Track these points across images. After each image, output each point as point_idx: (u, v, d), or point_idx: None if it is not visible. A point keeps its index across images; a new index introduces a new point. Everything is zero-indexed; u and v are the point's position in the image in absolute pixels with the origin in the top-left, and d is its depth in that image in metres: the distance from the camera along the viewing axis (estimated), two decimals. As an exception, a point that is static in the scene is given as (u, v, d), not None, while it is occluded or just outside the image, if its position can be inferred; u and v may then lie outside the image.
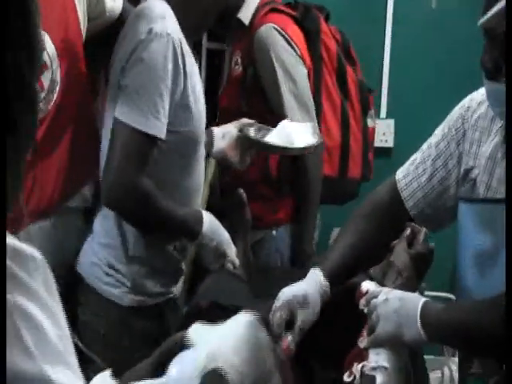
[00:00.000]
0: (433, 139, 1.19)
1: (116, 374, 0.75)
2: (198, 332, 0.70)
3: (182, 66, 1.27)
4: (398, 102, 2.71)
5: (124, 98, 1.24)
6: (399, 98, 2.71)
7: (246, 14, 1.84)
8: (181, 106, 1.29)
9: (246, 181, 1.64)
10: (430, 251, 1.14)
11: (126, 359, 1.30)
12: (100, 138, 1.35)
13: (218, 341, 0.68)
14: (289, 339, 1.04)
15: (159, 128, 1.24)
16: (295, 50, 1.81)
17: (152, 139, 1.24)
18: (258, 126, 1.57)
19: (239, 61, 1.85)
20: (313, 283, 1.10)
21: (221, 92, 1.98)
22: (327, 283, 1.10)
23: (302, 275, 1.15)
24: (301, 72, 1.83)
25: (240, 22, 1.84)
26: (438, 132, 1.18)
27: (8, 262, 0.49)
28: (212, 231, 1.33)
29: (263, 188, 1.83)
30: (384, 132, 2.68)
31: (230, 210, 1.48)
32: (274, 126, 1.57)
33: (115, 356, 1.27)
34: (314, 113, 1.83)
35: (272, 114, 1.79)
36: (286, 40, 1.79)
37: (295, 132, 1.54)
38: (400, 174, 1.20)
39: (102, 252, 1.34)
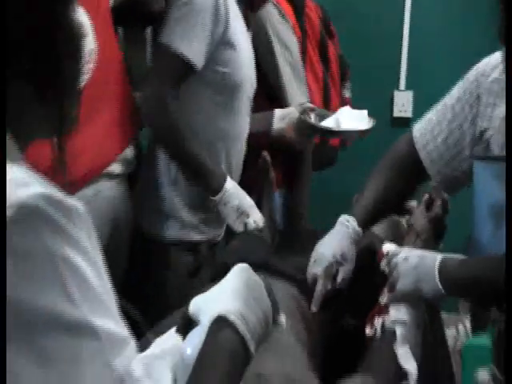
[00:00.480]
0: (448, 101, 1.21)
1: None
2: (198, 303, 0.68)
3: (224, 12, 1.37)
4: (416, 73, 2.74)
5: (165, 25, 1.37)
6: (418, 70, 2.73)
7: None
8: (220, 47, 1.40)
9: None
10: (445, 202, 1.21)
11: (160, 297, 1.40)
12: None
13: (216, 296, 0.67)
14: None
15: (195, 54, 1.35)
16: (288, 22, 1.86)
17: (187, 64, 1.35)
18: (319, 110, 1.68)
19: None
20: (346, 234, 1.16)
21: None
22: (360, 230, 1.16)
23: (320, 235, 1.21)
24: (295, 43, 1.87)
25: None
26: (453, 94, 1.21)
27: (54, 214, 0.50)
28: (235, 191, 1.42)
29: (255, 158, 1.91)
30: (403, 103, 2.72)
31: (255, 173, 1.54)
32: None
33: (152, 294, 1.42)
34: (306, 84, 1.88)
35: (263, 87, 1.85)
36: (280, 12, 1.83)
37: (350, 118, 1.62)
38: (417, 132, 1.24)
39: (143, 186, 1.52)
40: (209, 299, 0.67)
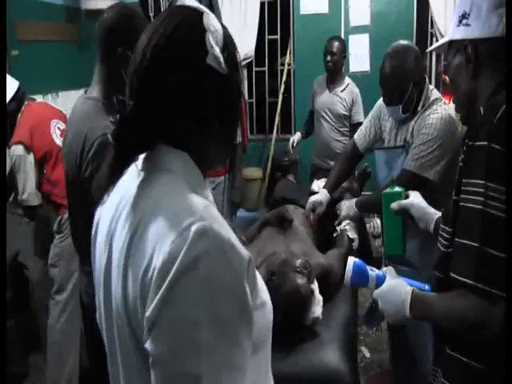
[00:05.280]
0: (367, 118, 2.60)
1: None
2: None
3: None
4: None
5: None
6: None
7: None
8: None
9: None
10: (368, 169, 2.87)
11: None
12: None
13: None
14: (312, 217, 2.63)
15: None
16: None
17: None
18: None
19: None
20: (323, 194, 2.65)
21: None
22: (329, 195, 2.65)
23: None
24: None
25: None
26: (369, 115, 2.59)
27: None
28: None
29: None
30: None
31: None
32: None
33: None
34: None
35: None
36: None
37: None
38: (356, 136, 2.67)
39: None
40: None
